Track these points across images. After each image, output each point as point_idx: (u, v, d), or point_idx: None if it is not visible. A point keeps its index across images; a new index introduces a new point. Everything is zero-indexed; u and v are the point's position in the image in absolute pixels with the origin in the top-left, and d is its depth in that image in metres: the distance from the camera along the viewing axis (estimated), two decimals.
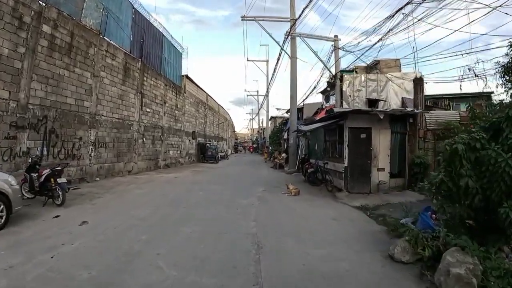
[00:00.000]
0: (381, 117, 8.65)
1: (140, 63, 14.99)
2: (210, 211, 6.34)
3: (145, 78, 15.49)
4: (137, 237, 4.67)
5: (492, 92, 19.42)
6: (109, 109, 12.58)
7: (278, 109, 50.52)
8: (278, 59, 19.89)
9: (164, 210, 6.47)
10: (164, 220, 5.62)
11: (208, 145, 24.79)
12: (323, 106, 18.44)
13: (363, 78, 17.23)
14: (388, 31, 10.79)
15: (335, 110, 8.47)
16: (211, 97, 31.53)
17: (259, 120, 70.89)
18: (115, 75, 12.98)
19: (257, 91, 52.79)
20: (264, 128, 61.52)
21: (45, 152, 9.41)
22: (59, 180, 7.03)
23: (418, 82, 11.11)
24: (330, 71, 16.07)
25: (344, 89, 16.38)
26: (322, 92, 21.21)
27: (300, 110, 25.45)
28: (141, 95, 15.04)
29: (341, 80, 16.35)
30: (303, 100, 24.06)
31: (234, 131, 67.34)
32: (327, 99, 20.25)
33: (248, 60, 42.75)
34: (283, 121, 30.06)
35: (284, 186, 10.01)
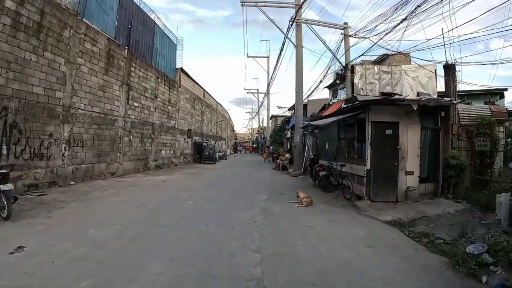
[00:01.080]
0: (415, 108, 6.99)
1: (126, 51, 13.31)
2: (196, 232, 4.66)
3: (132, 69, 13.80)
4: (76, 281, 3.00)
5: (506, 89, 17.33)
6: (88, 101, 10.90)
7: (279, 107, 48.83)
8: (281, 50, 18.28)
9: (135, 229, 4.79)
10: (127, 249, 3.94)
11: (205, 144, 23.11)
12: (330, 102, 16.77)
13: (376, 70, 15.56)
14: (415, 8, 9.13)
15: (359, 98, 6.77)
16: (209, 94, 29.86)
17: (259, 120, 69.33)
18: (95, 63, 11.30)
19: (257, 89, 51.24)
20: (265, 128, 59.97)
21: (4, 151, 7.75)
22: (2, 187, 5.38)
23: (450, 69, 9.42)
24: (339, 62, 14.40)
25: (355, 81, 14.71)
26: (328, 87, 19.55)
27: (304, 107, 23.78)
28: (127, 87, 13.36)
29: (352, 72, 14.69)
30: (307, 96, 22.39)
31: (234, 130, 65.69)
32: (334, 94, 18.58)
33: (248, 56, 41.21)
34: (285, 119, 28.39)
35: (291, 192, 8.35)
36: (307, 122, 13.56)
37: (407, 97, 8.31)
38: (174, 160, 18.74)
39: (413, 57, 12.90)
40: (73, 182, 10.02)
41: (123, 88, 13.03)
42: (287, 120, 28.64)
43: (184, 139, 20.80)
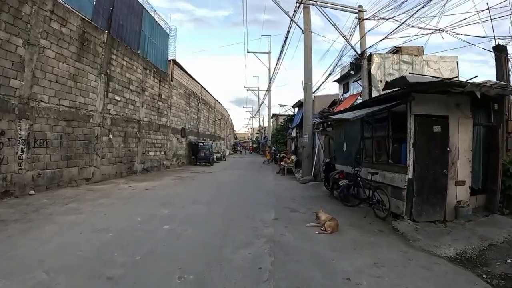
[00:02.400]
0: (478, 96, 5.08)
1: (106, 36, 11.41)
2: None
3: (113, 56, 11.91)
4: None
5: None
6: (54, 92, 9.04)
7: (281, 105, 46.80)
8: (286, 38, 16.38)
9: (62, 283, 2.90)
10: None
11: (201, 144, 21.21)
12: (341, 98, 14.88)
13: (395, 60, 13.69)
14: None
15: (410, 80, 4.80)
16: (206, 90, 27.95)
17: (259, 119, 67.41)
18: (64, 47, 9.42)
19: (258, 88, 49.41)
20: (265, 127, 57.99)
21: None
22: None
23: (502, 52, 7.54)
24: (354, 49, 12.49)
25: (373, 72, 12.84)
26: (338, 81, 17.68)
27: None
28: (106, 77, 11.47)
29: (369, 61, 12.81)
30: (313, 92, 20.54)
31: (233, 129, 63.78)
32: (345, 88, 16.69)
33: (248, 52, 39.33)
34: (288, 118, 26.49)
35: (304, 207, 6.50)
36: (317, 120, 11.67)
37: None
38: (166, 162, 16.84)
39: (458, 33, 10.71)
40: (33, 192, 8.17)
41: (101, 78, 11.13)
42: (290, 118, 26.74)
43: (178, 138, 18.90)
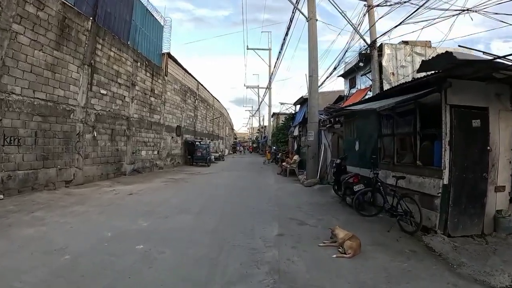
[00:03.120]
0: None
1: (90, 23, 10.38)
2: None
3: (99, 46, 10.89)
4: None
5: None
6: (28, 83, 8.04)
7: (282, 103, 45.86)
8: (288, 29, 15.34)
9: None
10: None
11: (198, 143, 20.19)
12: (348, 93, 13.86)
13: (408, 51, 12.67)
14: None
15: (459, 57, 3.74)
16: (204, 87, 26.93)
17: (259, 118, 66.35)
18: (41, 33, 8.41)
19: (258, 86, 48.28)
20: (265, 127, 56.89)
21: None
22: None
23: None
24: (363, 38, 11.48)
25: (384, 64, 11.82)
26: (343, 76, 16.66)
27: None
28: (91, 68, 10.45)
29: (380, 51, 11.80)
30: (323, 83, 19.55)
31: (232, 129, 62.76)
32: (351, 83, 15.67)
33: (248, 49, 38.59)
34: (290, 115, 25.46)
35: (313, 218, 5.50)
36: (323, 116, 10.64)
37: None
38: (159, 162, 15.82)
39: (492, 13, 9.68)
40: (1, 196, 7.15)
41: (84, 69, 10.12)
42: (292, 116, 25.73)
43: (172, 137, 17.88)
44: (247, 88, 47.19)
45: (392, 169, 6.03)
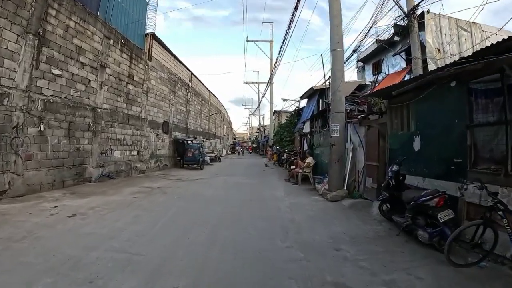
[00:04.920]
0: None
1: None
2: None
3: (52, 11, 8.35)
4: None
5: None
6: None
7: (285, 99, 43.35)
8: (296, 7, 12.71)
9: None
10: None
11: (189, 142, 17.62)
12: (376, 80, 11.28)
13: (453, 23, 10.14)
14: None
15: None
16: (198, 79, 24.37)
17: (259, 117, 63.77)
18: None
19: (258, 81, 45.74)
20: (265, 126, 54.26)
21: None
22: None
23: None
24: (398, 5, 8.96)
25: (427, 38, 9.28)
26: (362, 60, 14.11)
27: (321, 92, 18.40)
28: (38, 39, 7.89)
29: (422, 19, 9.28)
30: (327, 80, 17.06)
31: (231, 127, 60.19)
32: (375, 68, 13.12)
33: (248, 40, 35.98)
34: (295, 111, 22.92)
35: (375, 277, 2.96)
36: (347, 106, 8.00)
37: None
38: (139, 165, 13.23)
39: None
40: None
41: (27, 39, 7.56)
42: (297, 112, 23.19)
43: (158, 134, 15.29)
44: (245, 83, 44.74)
45: (505, 183, 3.49)
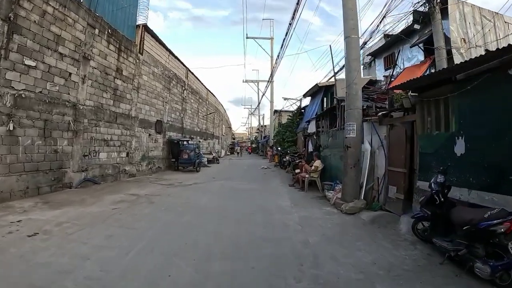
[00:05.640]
0: None
1: None
2: None
3: None
4: None
5: None
6: None
7: (286, 98, 42.38)
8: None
9: None
10: None
11: (185, 143, 16.65)
12: (392, 74, 10.31)
13: (476, 13, 9.20)
14: None
15: None
16: (195, 76, 23.39)
17: (259, 117, 62.76)
18: None
19: (257, 83, 44.77)
20: (265, 126, 53.20)
21: None
22: None
23: None
24: None
25: (452, 27, 8.34)
26: (373, 54, 13.16)
27: (326, 89, 17.48)
28: (8, 25, 6.95)
29: (445, 5, 8.34)
30: (336, 73, 16.12)
31: (230, 127, 59.23)
32: (387, 62, 12.19)
33: (247, 37, 35.08)
34: (298, 110, 21.98)
35: None
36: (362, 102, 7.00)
37: None
38: (129, 168, 12.25)
39: None
40: None
41: None
42: (300, 110, 22.25)
43: (150, 134, 14.31)
44: (244, 81, 43.75)
45: None
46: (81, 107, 9.41)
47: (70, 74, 8.92)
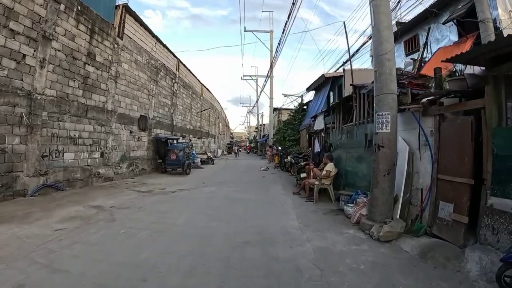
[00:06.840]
0: None
1: None
2: None
3: None
4: None
5: None
6: None
7: (286, 95, 41.01)
8: None
9: None
10: None
11: (175, 142, 15.07)
12: (420, 57, 8.75)
13: None
14: None
15: None
16: (188, 69, 21.77)
17: (258, 115, 61.22)
18: None
19: (256, 79, 43.24)
20: (264, 125, 51.61)
21: None
22: None
23: None
24: None
25: None
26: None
27: (334, 80, 15.97)
28: None
29: None
30: (344, 64, 14.66)
31: (227, 126, 57.61)
32: (410, 46, 10.67)
33: (245, 31, 33.55)
34: (300, 105, 20.43)
35: None
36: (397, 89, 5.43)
37: None
38: (104, 170, 10.63)
39: None
40: None
41: None
42: (302, 106, 20.71)
43: (131, 132, 12.69)
44: (242, 78, 42.24)
45: None
46: (39, 97, 7.79)
47: (24, 56, 7.30)
